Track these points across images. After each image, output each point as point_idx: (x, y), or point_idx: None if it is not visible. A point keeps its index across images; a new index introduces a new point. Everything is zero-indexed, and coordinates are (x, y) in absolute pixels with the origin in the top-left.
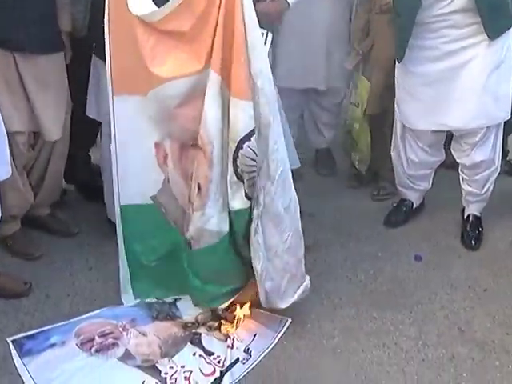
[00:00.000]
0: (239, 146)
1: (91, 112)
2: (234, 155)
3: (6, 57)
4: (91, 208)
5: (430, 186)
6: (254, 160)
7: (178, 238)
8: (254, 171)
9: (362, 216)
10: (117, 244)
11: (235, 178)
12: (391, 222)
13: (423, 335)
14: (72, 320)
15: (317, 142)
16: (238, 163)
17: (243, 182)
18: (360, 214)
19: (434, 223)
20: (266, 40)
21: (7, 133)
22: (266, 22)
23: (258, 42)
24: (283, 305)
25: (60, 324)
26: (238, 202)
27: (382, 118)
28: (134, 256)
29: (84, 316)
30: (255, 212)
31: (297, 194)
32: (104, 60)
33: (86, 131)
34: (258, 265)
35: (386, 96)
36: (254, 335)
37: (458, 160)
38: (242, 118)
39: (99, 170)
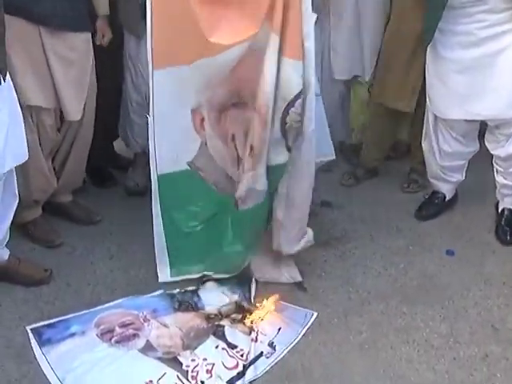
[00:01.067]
0: (291, 105)
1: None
2: (283, 113)
3: (32, 30)
4: (112, 196)
5: (464, 177)
6: (300, 115)
7: (220, 199)
8: (299, 126)
9: (392, 208)
10: (138, 232)
11: (280, 134)
12: (423, 215)
13: (455, 332)
14: (92, 309)
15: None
16: (288, 120)
17: (286, 138)
18: (391, 205)
19: (467, 217)
20: None
21: (32, 106)
22: None
23: (308, 4)
24: (291, 251)
25: (80, 313)
26: (282, 157)
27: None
28: (172, 225)
29: (105, 305)
30: None
31: (326, 184)
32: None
33: (108, 119)
34: (280, 214)
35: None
36: (279, 329)
37: (492, 152)
38: (295, 77)
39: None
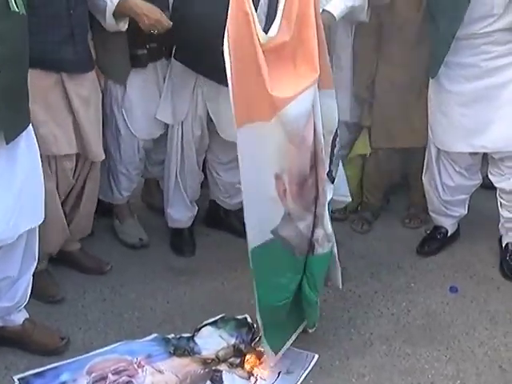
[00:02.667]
0: (336, 134)
1: (165, 116)
2: (332, 146)
3: (51, 78)
4: (103, 236)
5: (466, 211)
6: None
7: (300, 261)
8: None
9: (393, 244)
10: (132, 274)
11: (328, 168)
12: (424, 251)
13: (461, 374)
14: (84, 356)
15: None
16: (335, 151)
17: (331, 170)
18: (391, 241)
19: (470, 252)
20: None
21: (55, 156)
22: None
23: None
24: None
25: (71, 360)
26: (329, 192)
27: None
28: (266, 301)
29: (97, 351)
30: None
31: None
32: (185, 64)
33: None
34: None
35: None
36: (279, 373)
37: (496, 185)
38: (334, 106)
39: None
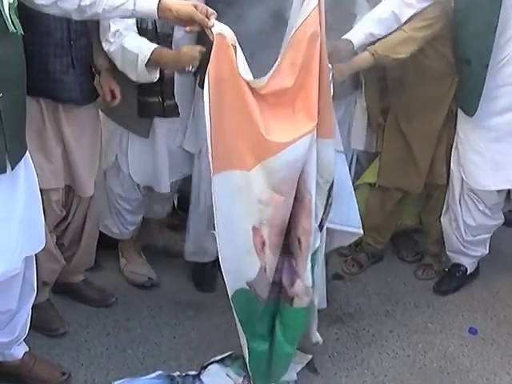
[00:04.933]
0: (332, 183)
1: (189, 145)
2: (327, 195)
3: (46, 106)
4: (108, 268)
5: (487, 251)
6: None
7: (273, 306)
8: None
9: (409, 282)
10: (137, 307)
11: (320, 220)
12: (442, 290)
13: None
14: None
15: None
16: (330, 201)
17: (322, 219)
18: (408, 279)
19: (490, 292)
20: (332, 76)
21: (40, 190)
22: (335, 60)
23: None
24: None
25: None
26: (318, 240)
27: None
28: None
29: None
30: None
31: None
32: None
33: None
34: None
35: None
36: None
37: None
38: (331, 155)
39: None
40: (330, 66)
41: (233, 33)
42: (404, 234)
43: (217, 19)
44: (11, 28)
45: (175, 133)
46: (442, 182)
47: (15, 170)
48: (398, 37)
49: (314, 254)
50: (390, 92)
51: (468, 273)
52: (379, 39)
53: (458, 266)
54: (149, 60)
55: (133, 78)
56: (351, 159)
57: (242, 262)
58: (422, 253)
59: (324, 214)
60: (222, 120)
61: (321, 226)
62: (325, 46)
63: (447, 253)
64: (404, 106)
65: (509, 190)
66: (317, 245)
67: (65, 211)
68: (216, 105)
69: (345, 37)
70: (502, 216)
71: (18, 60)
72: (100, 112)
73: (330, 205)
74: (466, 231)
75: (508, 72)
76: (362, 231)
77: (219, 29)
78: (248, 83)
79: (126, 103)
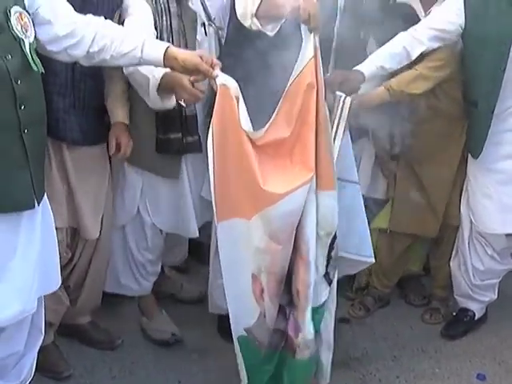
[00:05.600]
0: (335, 237)
1: (206, 192)
2: (329, 248)
3: (51, 145)
4: (114, 311)
5: (496, 296)
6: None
7: (276, 355)
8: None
9: (416, 326)
10: (143, 350)
11: (325, 271)
12: (450, 335)
13: None
14: None
15: None
16: (333, 254)
17: (328, 273)
18: (415, 323)
19: (498, 337)
20: (343, 104)
21: None
22: (345, 89)
23: (328, 135)
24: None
25: None
26: (324, 295)
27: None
28: None
29: None
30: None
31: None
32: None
33: None
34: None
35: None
36: None
37: None
38: (333, 207)
39: None
40: (342, 94)
41: (237, 84)
42: (411, 278)
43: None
44: (34, 67)
45: (202, 174)
46: (457, 224)
47: (35, 208)
48: (411, 74)
49: (320, 307)
50: (401, 138)
51: (476, 318)
52: (393, 74)
53: (466, 310)
54: (159, 85)
55: (148, 103)
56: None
57: (242, 307)
58: (429, 297)
59: (328, 266)
60: (225, 169)
61: (328, 279)
62: (322, 97)
63: (455, 297)
64: (417, 150)
65: None
66: (322, 299)
67: (70, 253)
68: (219, 154)
69: (356, 68)
70: (511, 261)
71: (39, 97)
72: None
73: (336, 258)
74: (474, 275)
75: None
76: (373, 260)
77: (223, 80)
78: (247, 134)
79: (150, 144)
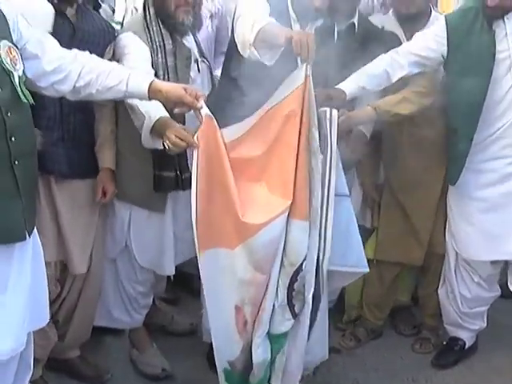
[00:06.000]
0: (299, 269)
1: None
2: (292, 279)
3: (40, 179)
4: (103, 338)
5: (485, 324)
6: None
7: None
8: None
9: (407, 356)
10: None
11: (286, 301)
12: (440, 364)
13: None
14: None
15: None
16: (295, 286)
17: (291, 305)
18: (405, 353)
19: (489, 366)
20: (331, 118)
21: None
22: (330, 105)
23: (316, 164)
24: None
25: None
26: (286, 325)
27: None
28: None
29: None
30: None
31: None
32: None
33: None
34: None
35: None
36: None
37: None
38: (303, 239)
39: None
40: (327, 108)
41: None
42: (401, 308)
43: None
44: (23, 99)
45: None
46: (442, 252)
47: (25, 242)
48: (397, 96)
49: (280, 337)
50: (385, 166)
51: (466, 347)
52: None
53: (456, 339)
54: (153, 127)
55: (142, 139)
56: None
57: (225, 340)
58: (419, 326)
59: (291, 298)
60: (208, 198)
61: (293, 312)
62: (309, 125)
63: (445, 326)
64: (401, 179)
65: (505, 261)
66: (283, 328)
67: (59, 287)
68: (202, 183)
69: (339, 86)
70: (498, 288)
71: (29, 128)
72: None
73: (298, 292)
74: (462, 303)
75: (499, 146)
76: (368, 269)
77: (207, 110)
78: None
79: (141, 178)
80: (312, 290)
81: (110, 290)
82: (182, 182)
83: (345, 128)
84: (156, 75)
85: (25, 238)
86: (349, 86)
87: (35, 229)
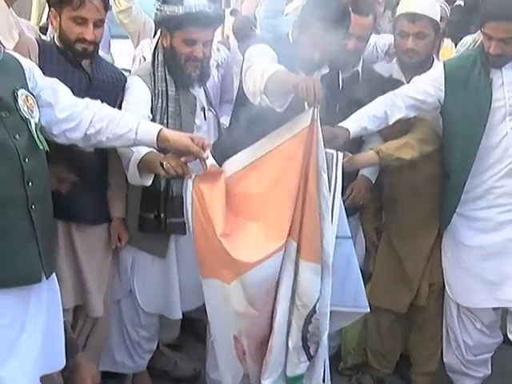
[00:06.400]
0: (313, 311)
1: None
2: (306, 320)
3: (59, 226)
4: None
5: (490, 371)
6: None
7: None
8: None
9: None
10: None
11: (301, 343)
12: None
13: None
14: None
15: None
16: (310, 328)
17: (307, 347)
18: None
19: None
20: (337, 161)
21: None
22: (332, 146)
23: (325, 209)
24: None
25: None
26: (301, 368)
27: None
28: None
29: None
30: None
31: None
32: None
33: None
34: None
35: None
36: None
37: None
38: (314, 281)
39: None
40: (333, 151)
41: None
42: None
43: None
44: (40, 145)
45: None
46: (423, 303)
47: (41, 285)
48: (399, 141)
49: (296, 380)
50: (385, 211)
51: None
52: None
53: None
54: (140, 161)
55: (128, 176)
56: None
57: (228, 365)
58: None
59: (306, 340)
60: (204, 234)
61: (308, 354)
62: (316, 170)
63: (448, 374)
64: (397, 224)
65: (504, 309)
66: (298, 371)
67: (73, 333)
68: (197, 220)
69: (342, 125)
70: (501, 334)
71: (45, 174)
72: None
73: (314, 334)
74: (466, 351)
75: (494, 195)
76: (368, 309)
77: (213, 160)
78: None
79: (135, 220)
80: (326, 332)
81: (114, 333)
82: (166, 226)
83: (348, 170)
84: (153, 119)
85: (41, 280)
86: (352, 125)
87: (54, 274)
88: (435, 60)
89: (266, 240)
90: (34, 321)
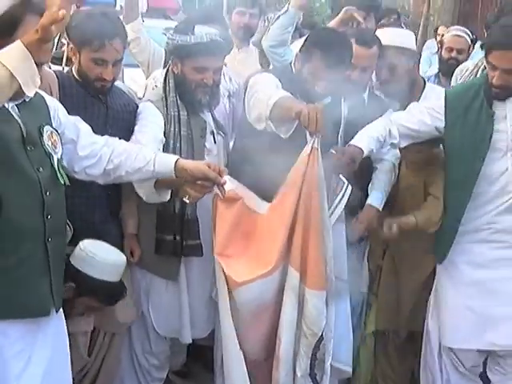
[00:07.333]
0: (321, 337)
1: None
2: (314, 348)
3: None
4: None
5: None
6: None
7: None
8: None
9: None
10: None
11: (309, 370)
12: None
13: None
14: None
15: None
16: (318, 355)
17: (314, 374)
18: None
19: None
20: (344, 192)
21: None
22: (350, 169)
23: (326, 236)
24: None
25: None
26: None
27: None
28: None
29: None
30: None
31: None
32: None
33: None
34: None
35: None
36: None
37: None
38: (322, 309)
39: None
40: (345, 181)
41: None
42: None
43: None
44: (61, 179)
45: (209, 277)
46: (404, 335)
47: (52, 319)
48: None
49: None
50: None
51: None
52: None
53: None
54: (157, 180)
55: (142, 196)
56: (362, 303)
57: (235, 367)
58: None
59: (313, 367)
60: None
61: (314, 381)
62: (317, 202)
63: None
64: (400, 247)
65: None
66: None
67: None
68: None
69: (356, 143)
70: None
71: (63, 208)
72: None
73: (321, 360)
74: None
75: (490, 231)
76: (350, 370)
77: (231, 185)
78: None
79: (150, 244)
80: (330, 358)
81: (124, 359)
82: (185, 249)
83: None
84: (166, 143)
85: (49, 314)
86: (363, 145)
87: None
88: (427, 83)
89: (257, 264)
90: (39, 352)
